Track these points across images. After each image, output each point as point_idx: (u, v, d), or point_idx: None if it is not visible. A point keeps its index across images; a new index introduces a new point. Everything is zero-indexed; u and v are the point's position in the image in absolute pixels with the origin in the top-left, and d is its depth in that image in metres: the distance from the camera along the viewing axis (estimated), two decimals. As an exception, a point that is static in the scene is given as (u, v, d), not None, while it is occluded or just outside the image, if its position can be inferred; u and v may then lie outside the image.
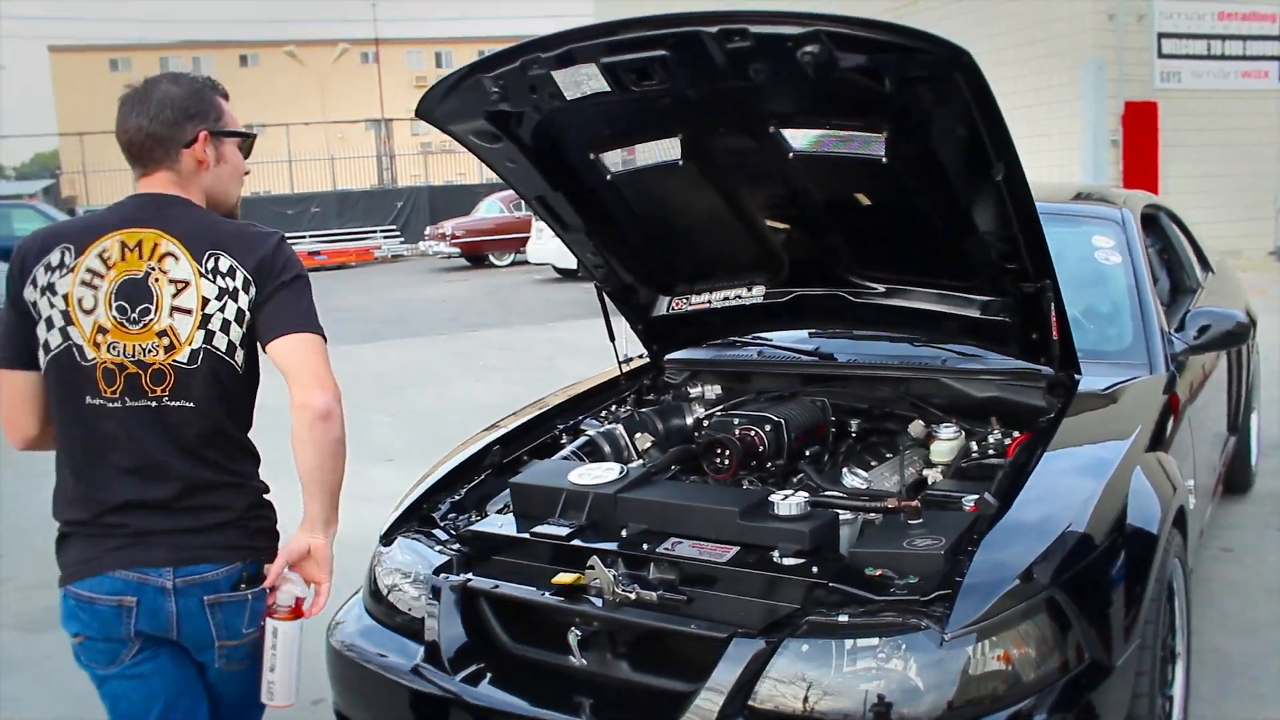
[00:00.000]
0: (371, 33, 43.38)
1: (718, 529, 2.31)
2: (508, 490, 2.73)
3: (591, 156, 2.81)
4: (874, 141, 2.45)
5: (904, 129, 2.38)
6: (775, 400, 3.00)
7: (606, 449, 2.92)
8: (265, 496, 2.11)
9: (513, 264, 22.10)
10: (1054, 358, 2.79)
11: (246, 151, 2.15)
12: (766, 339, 3.46)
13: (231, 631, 2.02)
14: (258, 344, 2.00)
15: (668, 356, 3.52)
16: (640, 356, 3.78)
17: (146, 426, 1.96)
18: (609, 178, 2.85)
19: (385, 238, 26.85)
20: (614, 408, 3.28)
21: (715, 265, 3.20)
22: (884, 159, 2.46)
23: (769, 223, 2.95)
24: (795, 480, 2.69)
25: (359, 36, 44.81)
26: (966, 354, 3.17)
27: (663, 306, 3.37)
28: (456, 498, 2.76)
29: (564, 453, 2.90)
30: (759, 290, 3.19)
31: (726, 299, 3.24)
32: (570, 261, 17.52)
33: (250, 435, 2.11)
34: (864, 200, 2.73)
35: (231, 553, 2.01)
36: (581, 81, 2.36)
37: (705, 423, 3.08)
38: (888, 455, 2.86)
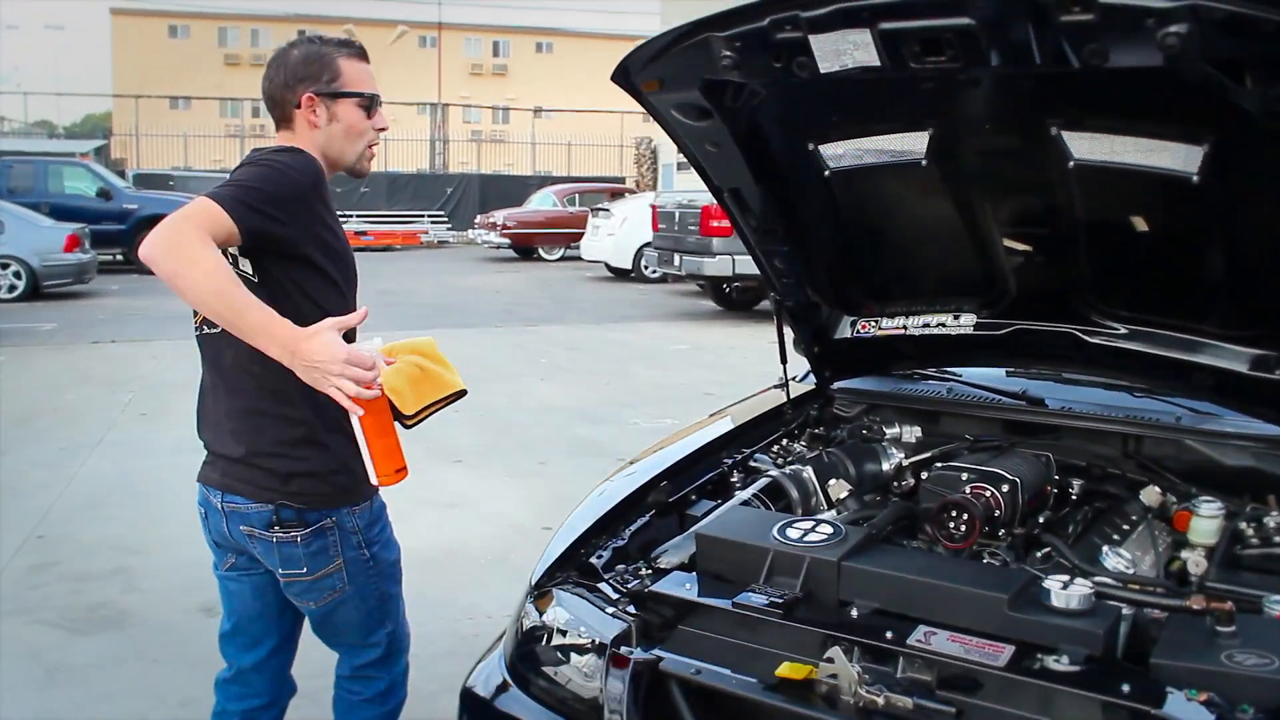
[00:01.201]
0: (433, 16, 43.05)
1: (978, 618, 1.85)
2: (682, 538, 2.29)
3: (810, 146, 2.35)
4: (1188, 155, 1.98)
5: (1242, 141, 1.91)
6: (992, 451, 2.54)
7: (794, 494, 2.46)
8: (320, 437, 2.14)
9: (562, 258, 21.72)
10: None
11: (369, 111, 2.22)
12: (956, 374, 3.00)
13: (277, 565, 2.19)
14: (268, 257, 2.07)
15: (836, 385, 3.06)
16: (795, 379, 3.33)
17: (215, 349, 2.17)
18: (826, 174, 2.40)
19: (433, 223, 26.60)
20: (785, 442, 2.82)
21: (924, 286, 2.74)
22: (1195, 177, 2.00)
23: (1006, 242, 2.48)
24: (1040, 555, 2.23)
25: (420, 19, 44.51)
26: (1203, 412, 2.70)
27: (846, 328, 2.91)
28: (620, 542, 2.32)
29: (744, 495, 2.44)
30: (968, 319, 2.72)
31: (927, 326, 2.78)
32: (624, 260, 17.14)
33: None
34: (1140, 224, 2.26)
35: (262, 492, 2.13)
36: (845, 51, 1.90)
37: (908, 471, 2.62)
38: (1124, 528, 2.38)
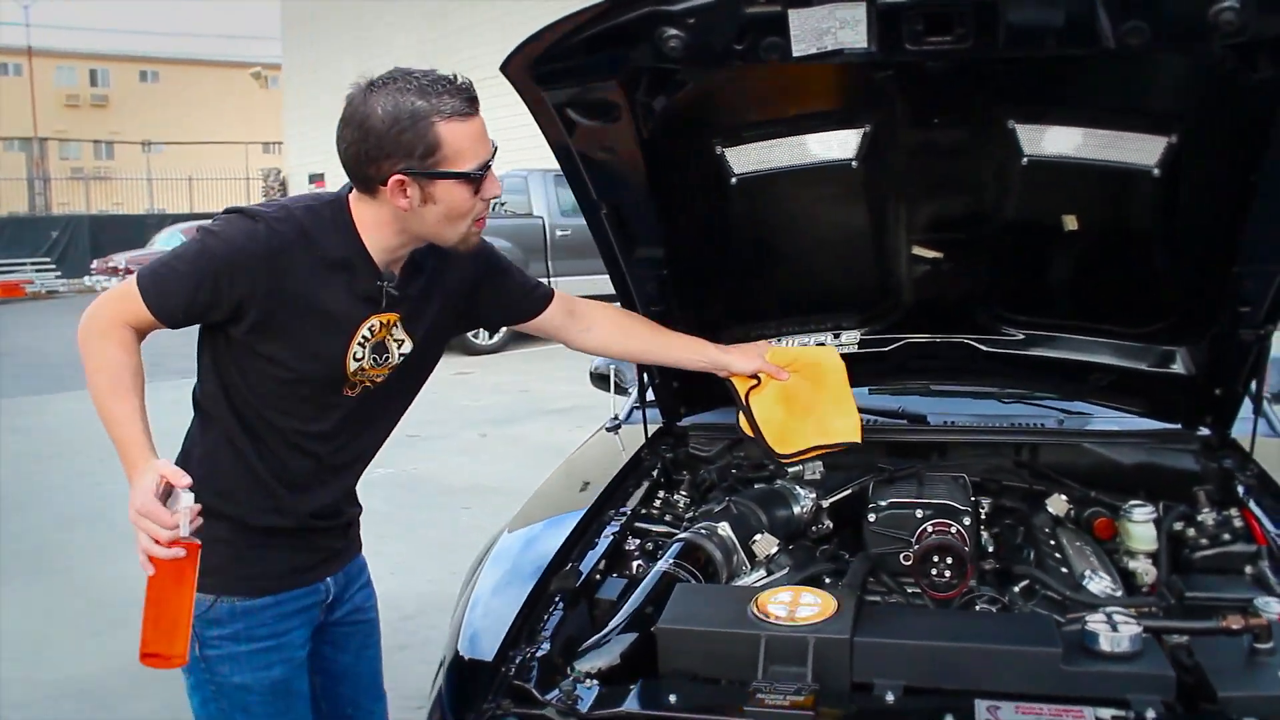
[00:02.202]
0: (19, 40, 38.08)
1: (1032, 680, 1.59)
2: (612, 632, 1.87)
3: (718, 150, 2.02)
4: (1150, 147, 1.86)
5: (1210, 131, 1.80)
6: (909, 480, 2.32)
7: (718, 556, 2.10)
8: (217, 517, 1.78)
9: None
10: (1226, 415, 2.34)
11: (478, 185, 1.74)
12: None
13: None
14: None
15: (688, 421, 2.75)
16: (617, 420, 2.98)
17: None
18: (733, 180, 2.07)
19: (38, 271, 23.55)
20: (663, 495, 2.46)
21: (807, 304, 2.49)
22: (1155, 170, 1.87)
23: (916, 250, 2.27)
24: (1019, 590, 2.02)
25: (3, 44, 39.31)
26: (1078, 413, 2.65)
27: (711, 359, 2.60)
28: (543, 649, 1.85)
29: (661, 566, 2.05)
30: (850, 336, 2.50)
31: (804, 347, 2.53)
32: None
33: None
34: (1071, 224, 2.13)
35: None
36: (829, 30, 1.56)
37: (824, 514, 2.34)
38: (1052, 544, 2.24)
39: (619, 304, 2.35)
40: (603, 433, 2.96)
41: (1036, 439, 2.48)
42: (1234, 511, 2.18)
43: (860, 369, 2.54)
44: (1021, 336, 2.39)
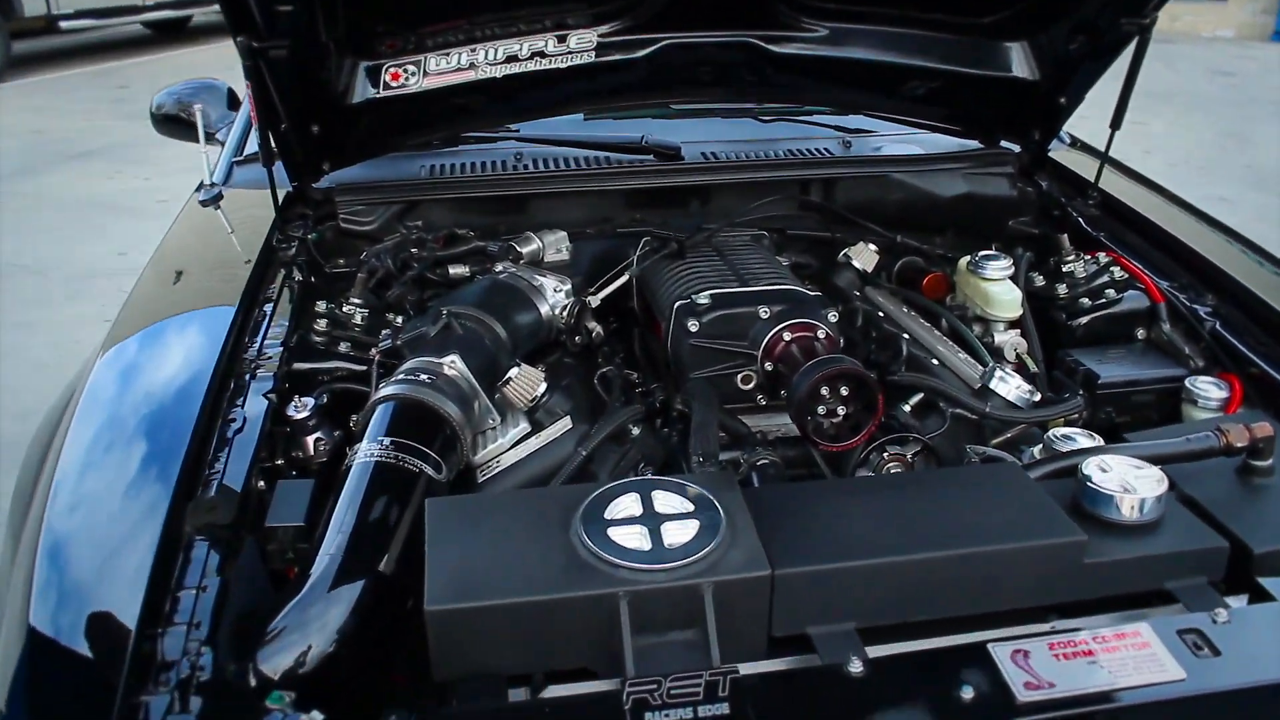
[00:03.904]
0: None
1: (1046, 590, 1.02)
2: (304, 597, 1.04)
3: None
4: None
5: None
6: (704, 252, 1.61)
7: (454, 414, 1.28)
8: None
9: None
10: (1050, 132, 1.85)
11: None
12: (515, 129, 1.96)
13: None
14: None
15: (330, 183, 1.83)
16: (214, 186, 1.98)
17: None
18: None
19: None
20: (324, 309, 1.57)
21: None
22: None
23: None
24: (910, 408, 1.41)
25: None
26: (859, 132, 2.05)
27: (366, 87, 1.65)
28: (196, 638, 0.99)
29: (368, 453, 1.21)
30: (585, 39, 1.65)
31: (514, 59, 1.65)
32: None
33: None
34: None
35: None
36: None
37: (588, 314, 1.57)
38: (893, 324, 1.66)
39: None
40: (196, 207, 1.94)
41: (828, 171, 1.84)
42: (1103, 257, 1.70)
43: (595, 84, 1.74)
44: (825, 32, 1.69)
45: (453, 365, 1.35)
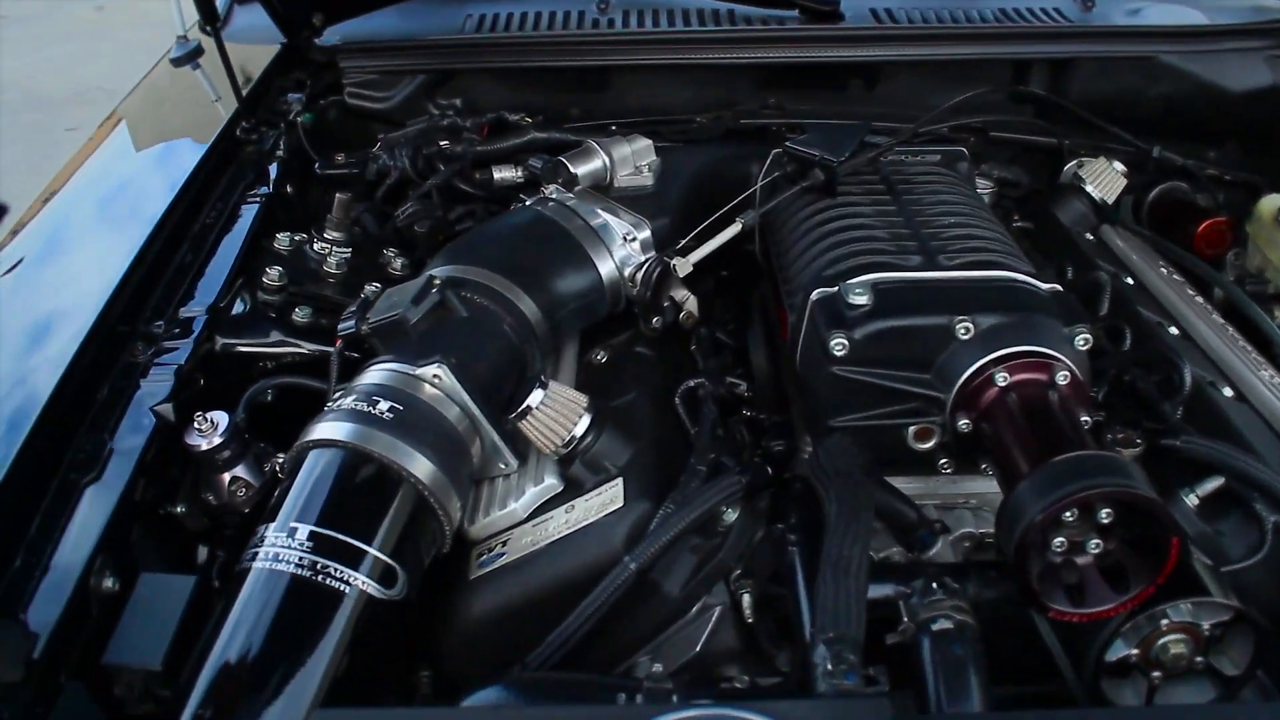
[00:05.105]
0: None
1: None
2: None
3: None
4: None
5: None
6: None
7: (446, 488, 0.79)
8: None
9: None
10: None
11: None
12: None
13: None
14: None
15: (334, 37, 1.31)
16: (189, 42, 1.46)
17: None
18: None
19: None
20: (299, 240, 1.08)
21: None
22: None
23: None
24: (1200, 502, 0.86)
25: None
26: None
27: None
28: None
29: (269, 555, 0.73)
30: None
31: None
32: None
33: None
34: None
35: None
36: None
37: (678, 283, 1.04)
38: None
39: None
40: (167, 67, 1.46)
41: (1059, 49, 1.25)
42: None
43: None
44: None
45: (437, 380, 0.83)
